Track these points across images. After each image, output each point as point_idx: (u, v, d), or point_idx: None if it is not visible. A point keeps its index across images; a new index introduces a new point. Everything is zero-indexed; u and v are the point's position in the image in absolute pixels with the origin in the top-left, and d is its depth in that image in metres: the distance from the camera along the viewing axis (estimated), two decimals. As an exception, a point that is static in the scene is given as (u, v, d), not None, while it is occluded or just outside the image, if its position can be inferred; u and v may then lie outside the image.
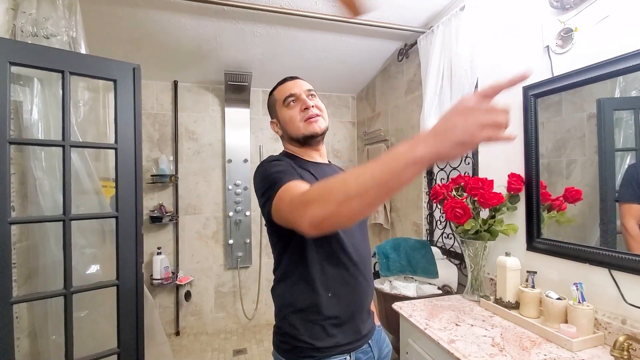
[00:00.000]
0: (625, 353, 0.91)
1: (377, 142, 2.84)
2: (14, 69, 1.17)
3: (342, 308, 0.90)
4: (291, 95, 0.98)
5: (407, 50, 2.29)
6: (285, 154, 1.04)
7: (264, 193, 0.84)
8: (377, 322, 1.12)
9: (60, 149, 1.23)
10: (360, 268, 0.95)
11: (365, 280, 0.97)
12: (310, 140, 0.99)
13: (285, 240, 0.91)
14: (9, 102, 1.13)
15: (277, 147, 3.22)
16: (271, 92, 1.06)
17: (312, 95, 1.00)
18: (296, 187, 0.75)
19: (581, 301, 1.07)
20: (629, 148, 1.09)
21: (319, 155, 1.05)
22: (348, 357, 0.90)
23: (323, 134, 1.00)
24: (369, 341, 0.98)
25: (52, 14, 1.37)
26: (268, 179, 0.83)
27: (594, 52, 1.13)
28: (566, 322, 1.10)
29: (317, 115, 0.97)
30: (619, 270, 1.05)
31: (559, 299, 1.12)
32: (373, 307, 1.13)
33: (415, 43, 2.10)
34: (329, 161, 1.11)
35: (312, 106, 0.97)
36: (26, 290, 1.38)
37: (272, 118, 1.07)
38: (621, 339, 0.91)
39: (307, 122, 0.97)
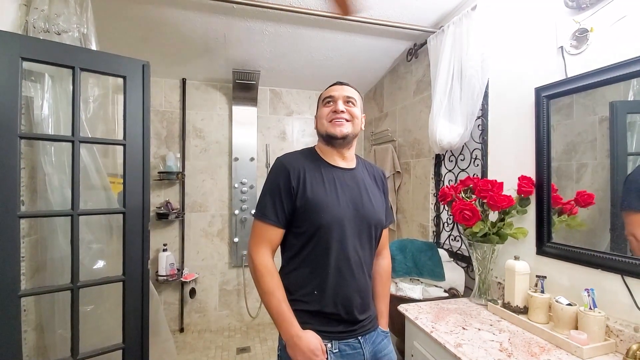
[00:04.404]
0: (638, 362, 0.89)
1: (384, 143, 2.82)
2: (25, 64, 1.18)
3: (323, 303, 0.98)
4: (330, 96, 1.07)
5: (417, 50, 2.26)
6: (310, 150, 1.12)
7: (258, 201, 1.06)
8: (385, 327, 1.12)
9: (70, 144, 1.24)
10: (348, 268, 0.99)
11: (354, 279, 1.00)
12: (333, 141, 1.07)
13: (283, 240, 1.06)
14: (20, 98, 1.14)
15: (283, 147, 3.22)
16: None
17: (349, 102, 1.07)
18: (259, 235, 1.02)
19: (592, 307, 1.05)
20: (641, 152, 1.06)
21: (342, 160, 1.10)
22: (330, 344, 0.97)
23: (345, 138, 1.06)
24: (359, 337, 1.01)
25: (63, 11, 1.38)
26: (260, 196, 1.05)
27: (609, 54, 1.11)
28: (576, 328, 1.08)
29: (344, 120, 1.05)
30: (632, 276, 1.03)
31: (569, 304, 1.10)
32: (382, 309, 1.13)
33: (425, 43, 2.08)
34: (357, 163, 1.13)
35: (342, 111, 1.05)
36: (34, 283, 1.39)
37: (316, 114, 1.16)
38: (634, 347, 0.89)
39: (332, 122, 1.05)
